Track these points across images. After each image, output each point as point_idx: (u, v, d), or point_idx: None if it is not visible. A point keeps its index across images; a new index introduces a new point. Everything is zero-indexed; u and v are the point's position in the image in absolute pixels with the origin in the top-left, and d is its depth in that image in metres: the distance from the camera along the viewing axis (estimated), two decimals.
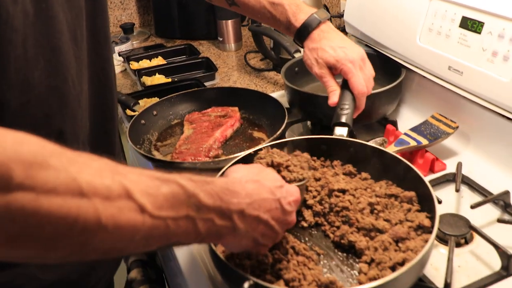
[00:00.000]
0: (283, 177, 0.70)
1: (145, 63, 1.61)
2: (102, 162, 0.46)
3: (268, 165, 0.72)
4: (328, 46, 0.92)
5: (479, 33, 0.93)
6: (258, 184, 0.59)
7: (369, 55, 1.24)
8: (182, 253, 0.85)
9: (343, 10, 1.37)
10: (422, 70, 1.08)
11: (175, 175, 0.50)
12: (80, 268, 0.79)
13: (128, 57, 1.63)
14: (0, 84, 0.58)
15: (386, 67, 1.19)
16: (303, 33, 0.94)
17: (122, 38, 1.81)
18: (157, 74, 1.51)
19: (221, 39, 1.74)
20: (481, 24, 0.93)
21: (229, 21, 1.70)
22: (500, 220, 0.82)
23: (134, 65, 1.60)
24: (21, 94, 0.60)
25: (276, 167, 0.72)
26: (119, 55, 1.69)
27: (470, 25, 0.95)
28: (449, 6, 1.00)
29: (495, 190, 0.88)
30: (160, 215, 0.47)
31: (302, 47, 0.97)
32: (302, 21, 0.94)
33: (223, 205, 0.53)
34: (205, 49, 1.80)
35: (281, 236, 0.64)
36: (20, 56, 0.58)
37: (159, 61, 1.63)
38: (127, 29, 1.89)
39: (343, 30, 1.39)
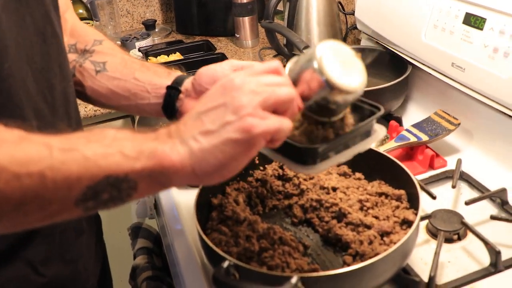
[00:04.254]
0: None
1: (163, 59, 1.65)
2: None
3: None
4: None
5: (481, 29, 0.92)
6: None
7: (378, 52, 1.26)
8: (179, 243, 0.88)
9: None
10: (427, 66, 1.08)
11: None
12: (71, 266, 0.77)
13: (146, 52, 1.68)
14: None
15: (394, 64, 1.19)
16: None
17: (143, 34, 1.85)
18: (173, 69, 1.54)
19: (238, 35, 1.77)
20: (483, 20, 0.92)
21: (246, 18, 1.72)
22: (493, 217, 0.82)
23: (152, 60, 1.64)
24: None
25: None
26: (139, 50, 1.74)
27: (473, 21, 0.94)
28: (453, 2, 0.99)
29: (495, 187, 0.88)
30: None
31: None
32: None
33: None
34: (223, 45, 1.83)
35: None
36: None
37: (176, 56, 1.67)
38: (149, 25, 1.94)
39: (355, 27, 1.39)
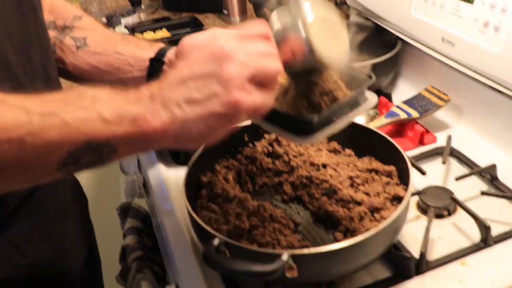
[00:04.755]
0: None
1: (149, 35, 1.62)
2: None
3: None
4: None
5: (472, 3, 0.91)
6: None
7: (368, 28, 1.25)
8: (168, 223, 0.87)
9: None
10: (417, 42, 1.06)
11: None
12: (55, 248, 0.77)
13: (133, 29, 1.65)
14: None
15: (384, 39, 1.18)
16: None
17: (128, 11, 1.82)
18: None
19: (226, 12, 1.74)
20: None
21: None
22: (483, 193, 0.81)
23: (139, 37, 1.62)
24: None
25: None
26: (125, 27, 1.71)
27: None
28: None
29: (485, 163, 0.88)
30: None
31: None
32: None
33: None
34: (211, 22, 1.80)
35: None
36: None
37: (163, 33, 1.64)
38: (135, 2, 1.90)
39: (344, 3, 1.37)
